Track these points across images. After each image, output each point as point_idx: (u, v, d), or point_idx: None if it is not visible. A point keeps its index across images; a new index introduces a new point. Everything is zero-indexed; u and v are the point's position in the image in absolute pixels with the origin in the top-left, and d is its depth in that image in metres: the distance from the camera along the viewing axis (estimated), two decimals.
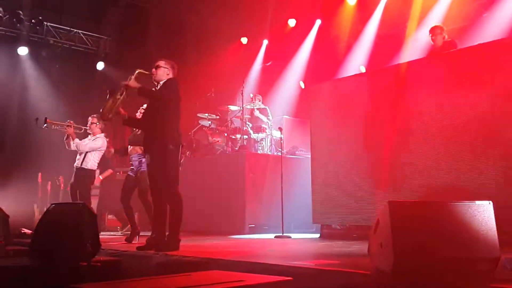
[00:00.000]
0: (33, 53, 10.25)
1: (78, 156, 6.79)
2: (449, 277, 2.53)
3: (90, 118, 6.93)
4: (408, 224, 2.60)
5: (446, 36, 6.29)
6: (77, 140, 6.73)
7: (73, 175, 6.74)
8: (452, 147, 4.88)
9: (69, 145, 6.81)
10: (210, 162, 8.17)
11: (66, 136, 6.78)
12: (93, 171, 6.76)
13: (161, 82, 4.76)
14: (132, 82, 4.63)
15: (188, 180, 7.30)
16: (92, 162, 6.71)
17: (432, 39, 6.31)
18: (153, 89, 4.80)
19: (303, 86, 9.83)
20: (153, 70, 4.77)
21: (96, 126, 6.86)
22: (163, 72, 4.75)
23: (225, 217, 7.54)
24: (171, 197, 4.63)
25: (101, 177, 8.29)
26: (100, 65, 10.95)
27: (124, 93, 4.64)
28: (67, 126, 6.66)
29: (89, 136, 6.96)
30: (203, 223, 7.68)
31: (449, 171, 4.87)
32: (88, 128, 6.90)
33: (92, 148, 6.71)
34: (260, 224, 7.43)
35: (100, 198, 8.34)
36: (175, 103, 4.67)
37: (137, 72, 4.70)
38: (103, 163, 8.05)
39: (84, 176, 6.62)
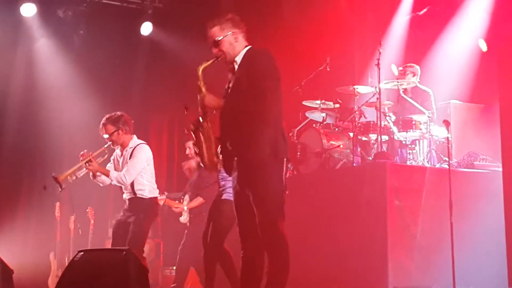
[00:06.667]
0: (44, 13, 10.84)
1: (124, 187, 7.04)
2: None
3: (101, 126, 7.02)
4: None
5: None
6: (113, 174, 6.92)
7: (124, 209, 7.00)
8: None
9: (104, 183, 7.08)
10: (326, 182, 8.14)
11: (92, 176, 7.03)
12: (155, 199, 7.00)
13: (238, 58, 4.87)
14: (206, 100, 4.79)
15: (290, 211, 7.28)
16: (148, 185, 6.95)
17: None
18: (229, 85, 4.89)
19: (485, 48, 9.50)
20: (214, 50, 4.88)
21: (118, 134, 6.99)
22: (229, 42, 4.86)
23: (353, 273, 7.48)
24: (270, 240, 4.69)
25: (185, 207, 8.61)
26: (147, 28, 11.36)
27: (206, 117, 4.82)
28: (86, 163, 6.83)
29: (117, 150, 7.13)
30: (316, 283, 7.66)
31: None
32: (109, 143, 7.04)
33: (138, 169, 6.91)
34: (414, 285, 7.31)
35: (184, 245, 8.67)
36: (276, 90, 4.76)
37: (200, 71, 4.83)
38: (193, 185, 8.53)
39: (143, 208, 6.88)
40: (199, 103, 4.83)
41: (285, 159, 4.77)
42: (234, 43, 4.87)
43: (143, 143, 7.15)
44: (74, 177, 6.94)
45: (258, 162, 4.66)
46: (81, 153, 6.88)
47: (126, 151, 7.05)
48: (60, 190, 6.88)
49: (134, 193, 6.91)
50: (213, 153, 4.81)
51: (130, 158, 6.97)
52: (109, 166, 7.10)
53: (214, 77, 5.14)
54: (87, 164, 6.81)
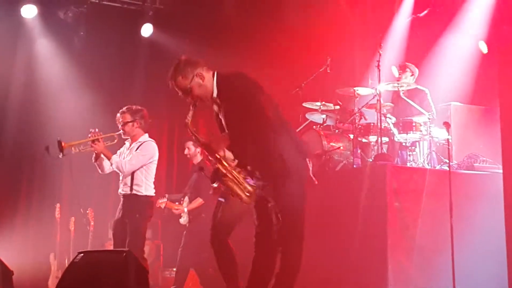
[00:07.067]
0: (45, 14, 10.83)
1: (122, 178, 7.07)
2: None
3: (118, 114, 7.15)
4: None
5: None
6: (115, 158, 6.98)
7: (119, 207, 7.03)
8: None
9: (102, 169, 7.11)
10: (326, 183, 8.11)
11: (94, 157, 7.06)
12: (150, 198, 7.01)
13: (215, 92, 4.86)
14: (214, 148, 4.78)
15: None
16: (146, 183, 6.98)
17: None
18: (220, 117, 4.89)
19: (485, 50, 9.51)
20: (188, 99, 4.87)
21: (132, 125, 7.08)
22: (198, 85, 4.84)
23: (353, 274, 7.49)
24: (287, 246, 4.74)
25: (185, 209, 8.60)
26: (147, 29, 11.37)
27: (221, 161, 4.81)
28: (93, 141, 6.88)
29: (127, 142, 7.20)
30: (316, 284, 7.65)
31: None
32: (121, 132, 7.14)
33: (140, 162, 6.95)
34: (414, 287, 7.28)
35: (183, 246, 8.65)
36: (267, 100, 4.77)
37: (190, 124, 4.81)
38: (193, 186, 8.47)
39: (138, 207, 6.88)
40: (208, 152, 4.83)
41: (307, 159, 4.83)
42: (203, 82, 4.83)
43: (153, 141, 7.19)
44: (77, 149, 6.96)
45: (280, 174, 4.71)
46: (92, 130, 6.92)
47: (134, 144, 7.10)
48: (60, 156, 6.89)
49: (131, 188, 6.93)
50: (244, 186, 4.78)
51: (136, 151, 7.03)
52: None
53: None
54: (93, 142, 6.86)
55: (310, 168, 4.89)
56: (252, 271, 4.87)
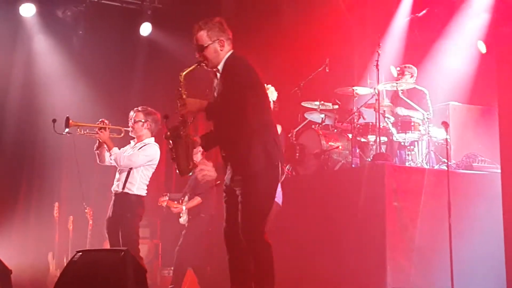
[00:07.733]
0: (43, 13, 10.85)
1: (117, 175, 7.09)
2: None
3: (132, 112, 7.21)
4: None
5: None
6: (115, 149, 7.01)
7: (111, 205, 7.04)
8: None
9: (102, 158, 7.13)
10: (325, 183, 8.15)
11: (97, 145, 7.10)
12: (141, 197, 7.02)
13: (220, 66, 4.90)
14: (187, 107, 4.75)
15: (288, 212, 7.29)
16: (140, 183, 6.99)
17: None
18: (214, 93, 4.93)
19: (484, 50, 9.52)
20: (198, 54, 4.91)
21: (142, 125, 7.11)
22: (215, 50, 4.88)
23: (351, 274, 7.49)
24: (251, 244, 4.73)
25: (184, 208, 8.61)
26: (146, 29, 11.38)
27: (186, 124, 4.82)
28: (100, 129, 6.95)
29: (132, 142, 7.23)
30: (314, 284, 7.66)
31: None
32: (130, 129, 7.17)
33: (139, 161, 6.96)
34: (412, 287, 7.27)
35: (182, 244, 8.64)
36: (256, 98, 4.78)
37: (183, 77, 4.83)
38: (192, 185, 8.47)
39: (129, 206, 6.88)
40: (179, 110, 4.81)
41: (279, 163, 4.79)
42: (219, 50, 4.88)
43: (157, 145, 7.22)
44: (82, 132, 7.06)
45: (248, 173, 4.71)
46: (101, 119, 7.01)
47: (139, 144, 7.14)
48: (63, 132, 6.97)
49: (123, 186, 6.94)
50: (189, 159, 4.81)
51: (140, 149, 7.07)
52: None
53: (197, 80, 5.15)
54: (100, 129, 6.93)
55: (283, 176, 4.87)
56: (229, 272, 4.86)
